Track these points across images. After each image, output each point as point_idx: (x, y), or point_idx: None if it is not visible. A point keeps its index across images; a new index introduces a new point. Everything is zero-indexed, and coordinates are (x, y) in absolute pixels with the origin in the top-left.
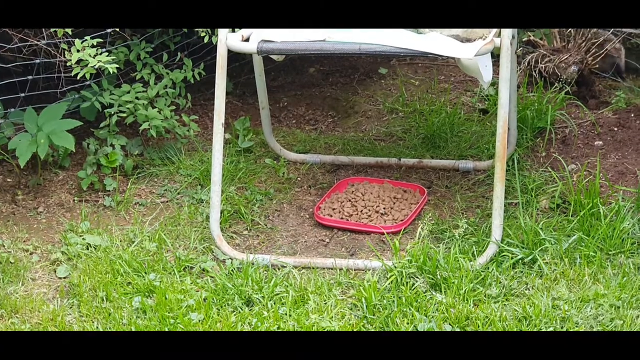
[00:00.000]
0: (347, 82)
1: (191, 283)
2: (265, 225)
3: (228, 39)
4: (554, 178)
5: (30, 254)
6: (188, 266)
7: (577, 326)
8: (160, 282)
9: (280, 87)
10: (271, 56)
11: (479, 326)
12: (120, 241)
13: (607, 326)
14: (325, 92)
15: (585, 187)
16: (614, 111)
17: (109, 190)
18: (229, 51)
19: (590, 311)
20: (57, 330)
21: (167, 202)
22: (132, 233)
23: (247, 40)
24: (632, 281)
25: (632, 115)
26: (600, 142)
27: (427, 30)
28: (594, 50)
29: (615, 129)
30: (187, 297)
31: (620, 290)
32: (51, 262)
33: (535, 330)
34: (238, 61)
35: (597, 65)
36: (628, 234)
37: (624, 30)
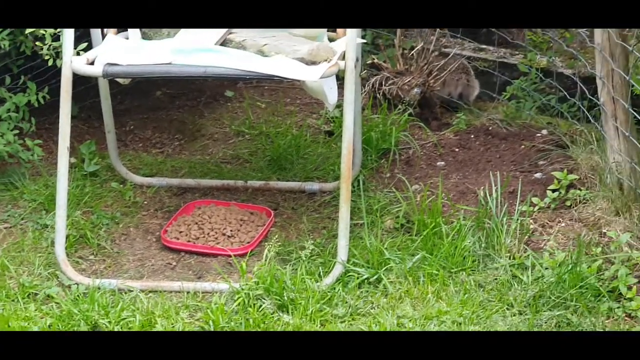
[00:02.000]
0: (194, 105)
1: (36, 310)
2: (112, 249)
3: (73, 62)
4: (398, 198)
5: None
6: (32, 292)
7: None
8: (2, 309)
9: (126, 111)
10: (117, 79)
11: None
12: None
13: None
14: (171, 115)
15: (428, 206)
16: (455, 132)
17: None
18: (74, 74)
19: (433, 328)
20: None
21: (10, 227)
22: None
23: (92, 63)
24: (473, 298)
25: (472, 136)
26: (442, 163)
27: (273, 52)
28: (435, 73)
29: (457, 149)
30: (31, 324)
31: (462, 307)
32: None
33: None
34: (83, 84)
35: (438, 88)
36: (469, 251)
37: (463, 53)
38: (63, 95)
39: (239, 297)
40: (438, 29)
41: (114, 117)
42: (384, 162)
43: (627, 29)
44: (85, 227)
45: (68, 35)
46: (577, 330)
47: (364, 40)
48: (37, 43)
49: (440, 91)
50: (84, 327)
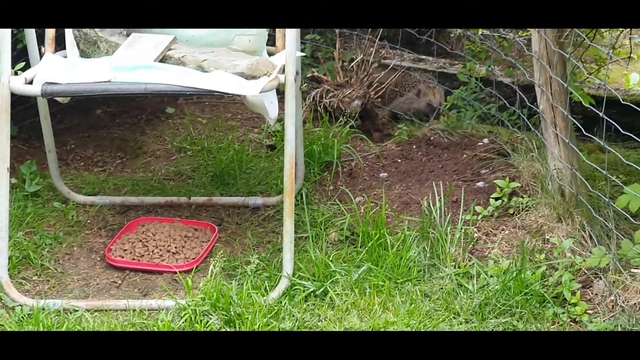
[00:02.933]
0: (135, 122)
1: None
2: (56, 269)
3: (11, 82)
4: (342, 211)
5: None
6: None
7: None
8: None
9: (66, 130)
10: (56, 98)
11: None
12: None
13: None
14: (113, 133)
15: (372, 218)
16: (397, 143)
17: None
18: (13, 94)
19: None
20: None
21: None
22: None
23: (30, 82)
24: (419, 308)
25: (414, 147)
26: (385, 174)
27: (212, 68)
28: (375, 85)
29: (399, 160)
30: None
31: (408, 317)
32: None
33: None
34: (22, 104)
35: (379, 100)
36: (414, 262)
37: (403, 64)
38: (1, 115)
39: (185, 314)
40: (377, 41)
41: (55, 136)
42: (326, 174)
43: (564, 37)
44: (28, 248)
45: (5, 54)
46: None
47: (303, 54)
48: None
49: (418, 102)
50: None
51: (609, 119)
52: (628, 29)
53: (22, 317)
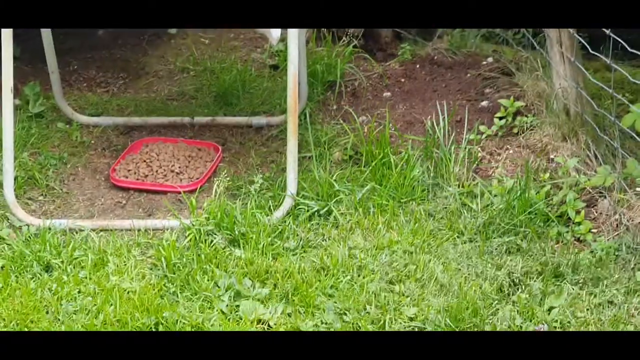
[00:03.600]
0: (137, 42)
1: None
2: (61, 189)
3: None
4: (346, 130)
5: None
6: None
7: (372, 273)
8: None
9: (69, 51)
10: None
11: (278, 279)
12: None
13: (401, 271)
14: (115, 54)
15: (376, 138)
16: (401, 63)
17: None
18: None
19: (385, 258)
20: None
21: None
22: None
23: None
24: (423, 227)
25: (418, 66)
26: (389, 94)
27: None
28: None
29: (402, 80)
30: None
31: (412, 237)
32: None
33: (336, 280)
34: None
35: None
36: (418, 181)
37: None
38: (4, 36)
39: (190, 234)
40: None
41: (57, 57)
42: (330, 94)
43: None
44: (34, 169)
45: None
46: (528, 254)
47: None
48: None
49: None
50: (36, 268)
51: (615, 37)
52: None
53: (29, 236)
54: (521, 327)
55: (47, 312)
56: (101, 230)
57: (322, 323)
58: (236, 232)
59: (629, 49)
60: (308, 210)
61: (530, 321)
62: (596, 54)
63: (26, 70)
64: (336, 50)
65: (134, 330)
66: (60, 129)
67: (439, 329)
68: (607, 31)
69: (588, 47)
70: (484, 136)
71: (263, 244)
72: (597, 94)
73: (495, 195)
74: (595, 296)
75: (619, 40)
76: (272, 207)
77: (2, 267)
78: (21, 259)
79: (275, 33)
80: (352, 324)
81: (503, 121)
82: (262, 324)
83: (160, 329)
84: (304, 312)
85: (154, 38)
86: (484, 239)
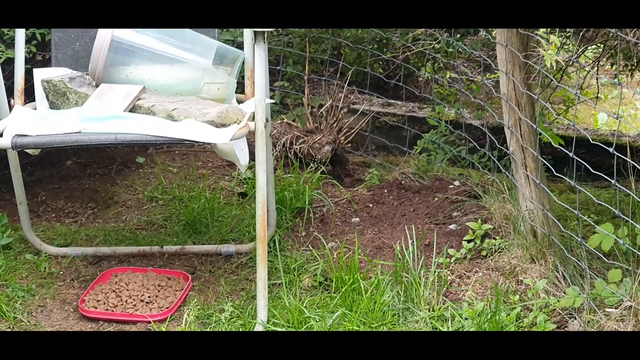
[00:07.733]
0: (106, 172)
1: None
2: (29, 322)
3: None
4: (315, 256)
5: None
6: None
7: None
8: None
9: (37, 181)
10: (26, 150)
11: None
12: None
13: None
14: (84, 184)
15: (345, 263)
16: (368, 188)
17: None
18: None
19: None
20: None
21: None
22: None
23: (0, 135)
24: None
25: (386, 191)
26: (357, 219)
27: (182, 117)
28: (345, 130)
29: (371, 205)
30: None
31: None
32: None
33: None
34: None
35: (349, 145)
36: (388, 306)
37: (372, 109)
38: None
39: None
40: (346, 86)
41: (25, 188)
42: (298, 221)
43: (531, 79)
44: (1, 301)
45: None
46: None
47: (273, 101)
48: None
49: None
50: None
51: (578, 159)
52: (595, 69)
53: None
54: None
55: None
56: None
57: None
58: None
59: (592, 170)
60: None
61: None
62: (560, 176)
63: None
64: (304, 176)
65: None
66: (29, 260)
67: None
68: (570, 154)
69: (552, 169)
70: (453, 259)
71: None
72: (563, 215)
73: (466, 319)
74: None
75: (582, 162)
76: None
77: None
78: None
79: (243, 161)
80: None
81: (471, 244)
82: None
83: None
84: None
85: (123, 167)
86: None
